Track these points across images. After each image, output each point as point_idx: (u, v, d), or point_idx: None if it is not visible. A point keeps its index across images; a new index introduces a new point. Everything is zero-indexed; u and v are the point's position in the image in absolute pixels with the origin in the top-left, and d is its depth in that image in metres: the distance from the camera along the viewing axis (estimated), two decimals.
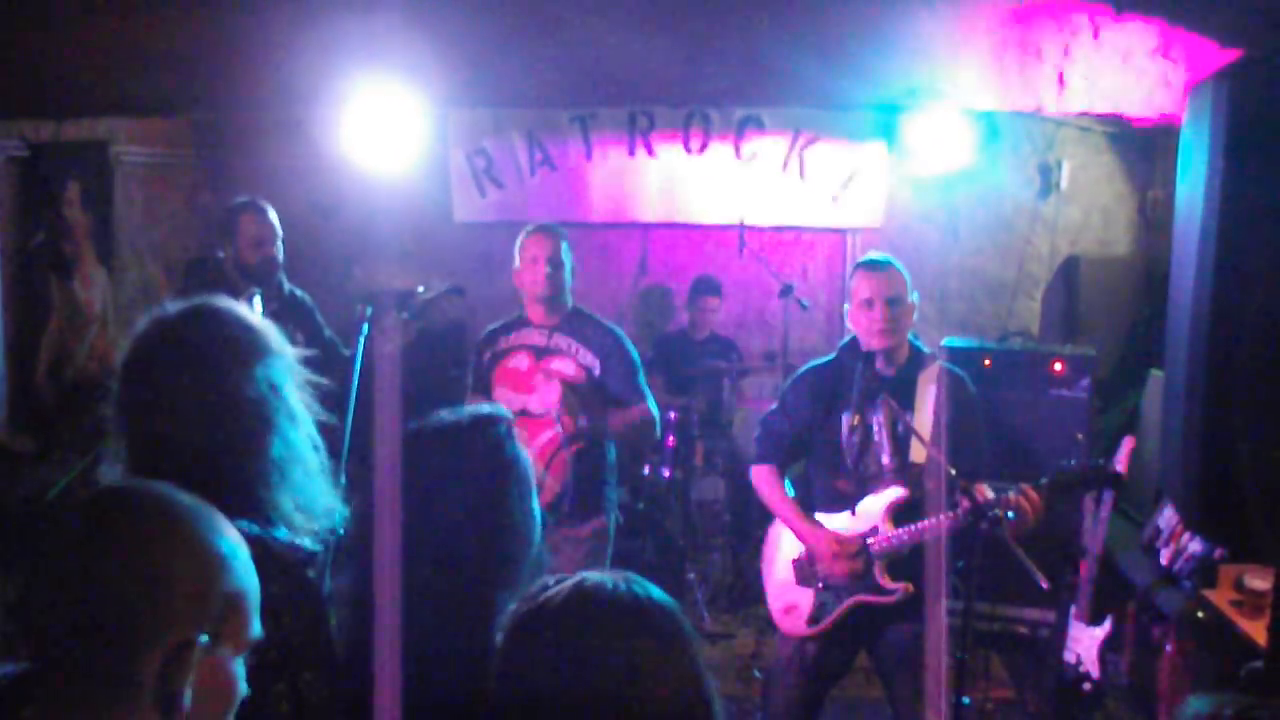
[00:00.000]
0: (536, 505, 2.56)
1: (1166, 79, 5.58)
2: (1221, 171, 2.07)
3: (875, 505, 4.60)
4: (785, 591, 4.85)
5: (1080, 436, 4.62)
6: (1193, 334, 2.15)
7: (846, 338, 4.83)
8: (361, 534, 2.45)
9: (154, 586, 1.69)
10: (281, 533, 2.47)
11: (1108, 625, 5.68)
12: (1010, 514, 4.21)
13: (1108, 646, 5.68)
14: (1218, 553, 5.29)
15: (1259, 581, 4.80)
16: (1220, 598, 5.03)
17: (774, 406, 5.02)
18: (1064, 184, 8.83)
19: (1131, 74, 5.61)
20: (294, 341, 5.77)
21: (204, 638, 1.71)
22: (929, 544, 4.40)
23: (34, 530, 1.87)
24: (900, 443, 4.61)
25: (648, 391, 5.48)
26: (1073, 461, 4.67)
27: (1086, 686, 5.65)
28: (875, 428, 4.64)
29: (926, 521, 4.43)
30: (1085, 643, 5.66)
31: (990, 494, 4.30)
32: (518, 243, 5.58)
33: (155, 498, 1.79)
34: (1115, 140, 8.72)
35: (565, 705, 1.73)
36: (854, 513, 4.66)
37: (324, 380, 3.00)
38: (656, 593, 1.88)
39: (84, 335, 7.24)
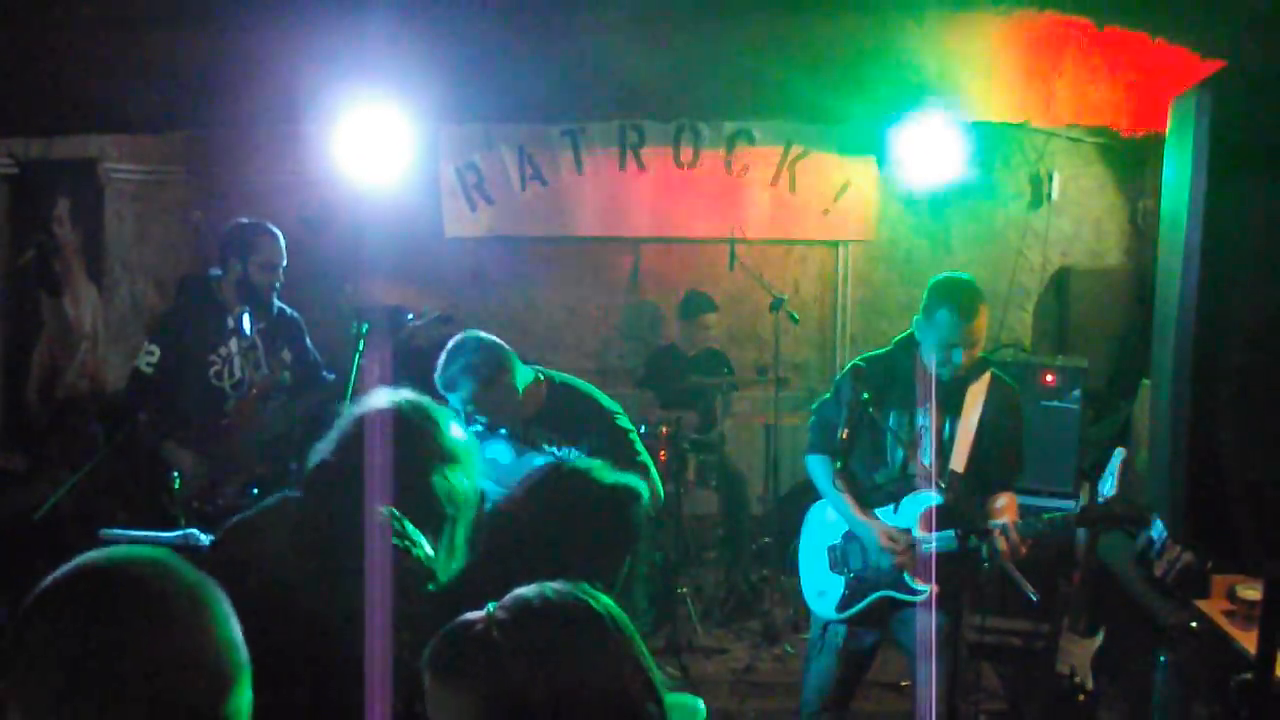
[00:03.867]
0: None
1: (1154, 90, 5.59)
2: (1204, 182, 2.07)
3: (912, 510, 4.65)
4: (818, 575, 4.96)
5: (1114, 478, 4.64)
6: (1178, 346, 2.15)
7: (905, 333, 4.82)
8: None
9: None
10: None
11: (1101, 636, 5.68)
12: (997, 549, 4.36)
13: (1101, 657, 5.67)
14: (1210, 563, 5.28)
15: (1251, 592, 4.79)
16: (1213, 608, 5.02)
17: (827, 396, 5.01)
18: (1055, 195, 8.84)
19: (1119, 85, 5.62)
20: (283, 362, 5.85)
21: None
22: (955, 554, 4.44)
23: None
24: (944, 447, 4.64)
25: (650, 464, 4.87)
26: (1108, 498, 4.69)
27: (1080, 698, 5.64)
28: (922, 430, 4.67)
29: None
30: (1079, 654, 5.65)
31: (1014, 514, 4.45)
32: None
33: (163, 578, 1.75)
34: (1105, 151, 8.73)
35: (506, 705, 1.75)
36: (895, 510, 4.72)
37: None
38: (599, 599, 1.90)
39: (74, 353, 7.22)
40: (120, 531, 4.26)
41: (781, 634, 7.29)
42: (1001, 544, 4.38)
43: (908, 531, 4.64)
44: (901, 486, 4.69)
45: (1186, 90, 2.16)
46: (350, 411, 2.99)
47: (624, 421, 4.86)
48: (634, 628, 1.93)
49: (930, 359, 4.60)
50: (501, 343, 4.75)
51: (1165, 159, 2.28)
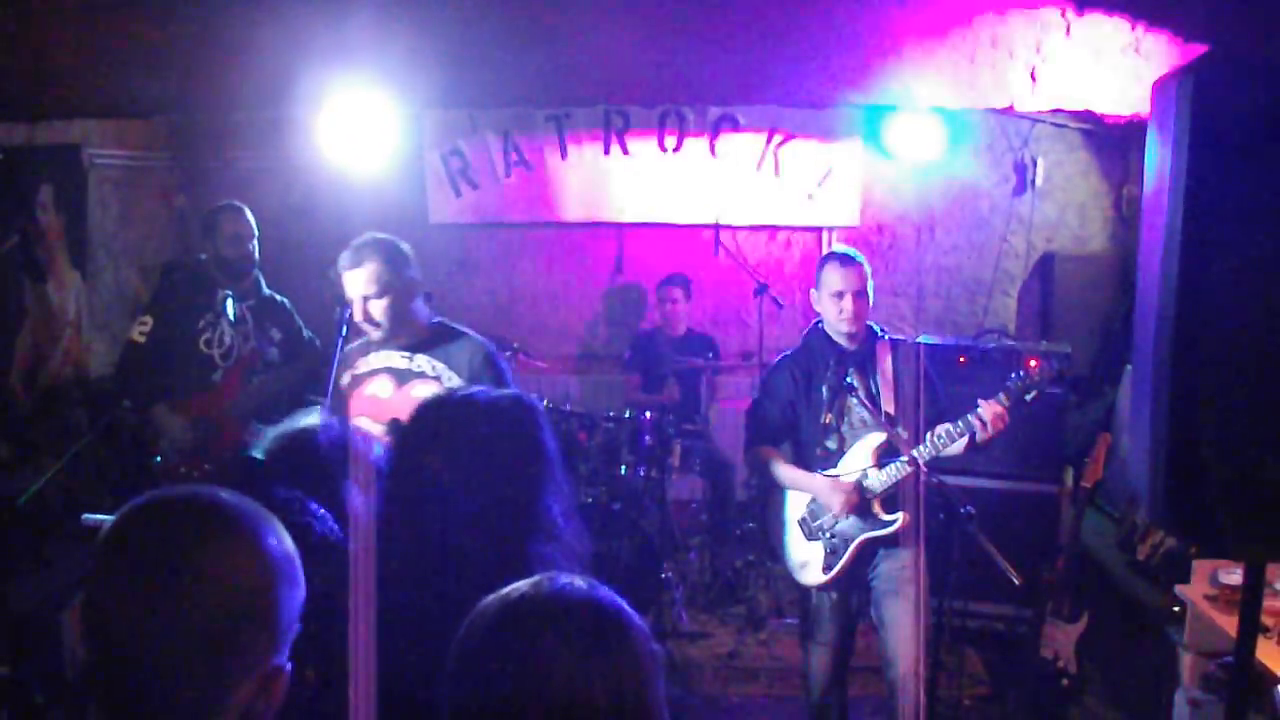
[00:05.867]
0: (558, 498, 2.59)
1: (1138, 75, 5.60)
2: (1186, 167, 2.08)
3: (861, 451, 5.08)
4: (797, 549, 5.23)
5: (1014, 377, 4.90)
6: (1159, 331, 2.15)
7: (812, 323, 5.36)
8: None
9: (243, 619, 1.64)
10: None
11: (1084, 621, 5.70)
12: (983, 423, 4.81)
13: (1084, 642, 5.70)
14: (1193, 548, 5.31)
15: (1233, 576, 4.81)
16: (1195, 593, 5.05)
17: (757, 396, 5.54)
18: (1039, 181, 8.86)
19: (1103, 71, 5.63)
20: (271, 339, 5.96)
21: (288, 663, 1.71)
22: (910, 480, 4.90)
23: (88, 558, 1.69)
24: (873, 401, 5.09)
25: None
26: (1020, 374, 5.00)
27: (1064, 682, 5.66)
28: (851, 391, 5.08)
29: (904, 459, 4.91)
30: (1062, 639, 5.68)
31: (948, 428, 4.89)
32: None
33: (224, 504, 1.72)
34: (1090, 137, 8.75)
35: (509, 700, 1.73)
36: (842, 462, 5.14)
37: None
38: (609, 598, 1.86)
39: (58, 340, 7.20)
40: (103, 517, 4.28)
41: (766, 619, 7.31)
42: (987, 413, 4.80)
43: (852, 475, 5.06)
44: (847, 445, 5.13)
45: (1168, 75, 2.16)
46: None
47: (502, 367, 4.82)
48: (657, 652, 1.89)
49: (836, 332, 5.18)
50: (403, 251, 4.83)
51: (1148, 145, 2.29)
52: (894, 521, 5.00)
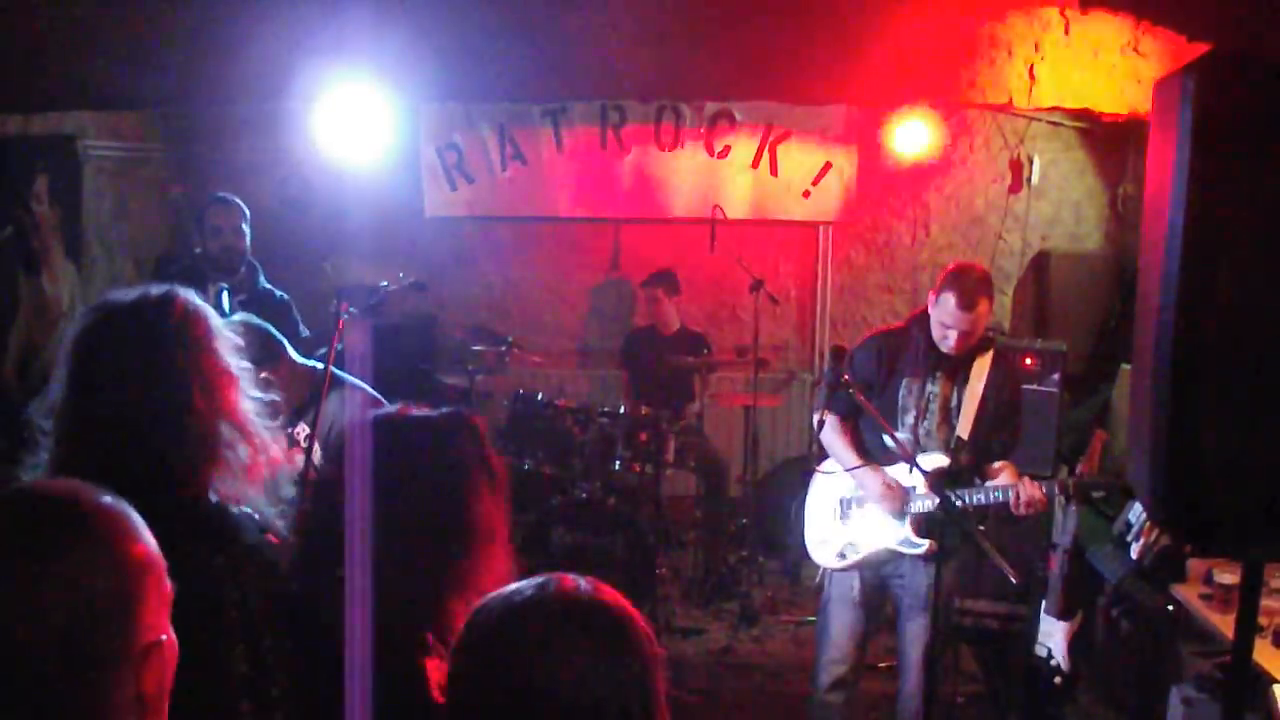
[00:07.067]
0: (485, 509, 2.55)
1: (1136, 74, 5.60)
2: (1188, 166, 2.07)
3: (922, 467, 4.83)
4: (823, 526, 5.18)
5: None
6: (1159, 329, 2.15)
7: (919, 309, 5.05)
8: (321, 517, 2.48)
9: (119, 598, 1.59)
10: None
11: (1078, 619, 5.70)
12: (1018, 499, 4.71)
13: (1078, 640, 5.70)
14: (1187, 547, 5.31)
15: (1228, 576, 4.81)
16: (1190, 592, 5.05)
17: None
18: (1035, 179, 8.86)
19: (1102, 70, 5.62)
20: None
21: (164, 633, 1.66)
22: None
23: None
24: (951, 415, 4.94)
25: None
26: (1074, 479, 4.99)
27: (1057, 680, 5.66)
28: (931, 397, 4.95)
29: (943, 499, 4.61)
30: (1056, 636, 5.68)
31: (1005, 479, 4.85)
32: None
33: (81, 501, 1.64)
34: (1086, 136, 8.75)
35: (513, 701, 1.72)
36: (910, 471, 4.89)
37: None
38: (614, 599, 1.85)
39: (51, 331, 7.18)
40: None
41: (759, 615, 7.31)
42: (1024, 494, 4.70)
43: (907, 488, 4.95)
44: (913, 449, 4.87)
45: (1171, 74, 2.16)
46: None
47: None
48: (645, 649, 1.87)
49: (937, 335, 4.86)
50: (272, 331, 4.54)
51: (1149, 144, 2.28)
52: (921, 546, 4.91)
